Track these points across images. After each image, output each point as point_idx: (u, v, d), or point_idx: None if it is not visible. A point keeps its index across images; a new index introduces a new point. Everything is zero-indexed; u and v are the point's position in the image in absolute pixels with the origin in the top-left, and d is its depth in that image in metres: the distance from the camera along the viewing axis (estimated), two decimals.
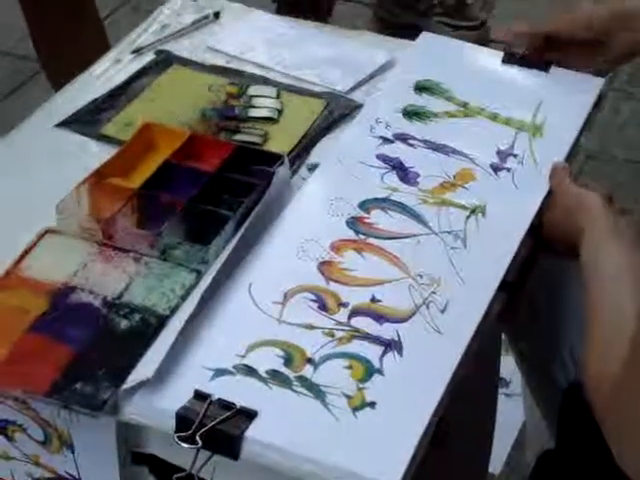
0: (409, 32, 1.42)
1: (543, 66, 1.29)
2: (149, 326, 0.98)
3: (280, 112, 1.27)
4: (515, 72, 1.30)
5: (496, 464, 1.74)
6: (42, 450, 0.97)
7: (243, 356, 0.95)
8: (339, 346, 0.96)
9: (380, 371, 0.94)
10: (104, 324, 0.98)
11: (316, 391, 0.92)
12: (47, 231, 1.07)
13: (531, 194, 1.13)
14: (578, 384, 1.11)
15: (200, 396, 0.91)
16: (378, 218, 1.09)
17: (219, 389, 0.91)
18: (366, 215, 1.10)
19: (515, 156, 1.18)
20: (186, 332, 0.96)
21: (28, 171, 1.19)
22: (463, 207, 1.11)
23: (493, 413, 1.48)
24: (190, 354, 0.95)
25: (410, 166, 1.16)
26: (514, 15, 2.68)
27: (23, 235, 1.07)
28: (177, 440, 0.89)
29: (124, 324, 0.98)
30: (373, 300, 1.00)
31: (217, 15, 1.43)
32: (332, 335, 0.97)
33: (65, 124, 1.25)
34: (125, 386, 0.92)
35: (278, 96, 1.29)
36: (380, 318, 0.99)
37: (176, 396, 0.91)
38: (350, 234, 1.07)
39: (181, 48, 1.38)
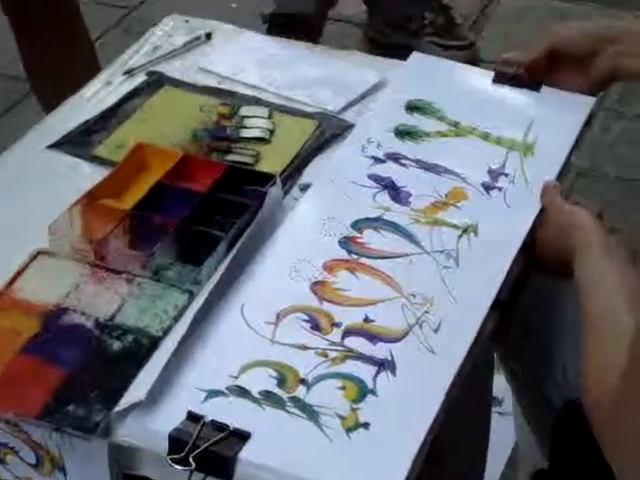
0: (400, 52, 1.43)
1: (534, 86, 1.29)
2: (142, 347, 0.97)
3: (272, 132, 1.27)
4: (506, 91, 1.31)
5: None
6: (34, 473, 0.97)
7: (236, 377, 0.94)
8: (332, 366, 0.96)
9: (374, 391, 0.94)
10: (96, 346, 0.98)
11: (309, 412, 0.91)
12: (39, 252, 1.07)
13: (523, 213, 1.13)
14: (572, 403, 1.12)
15: (193, 417, 0.91)
16: (370, 238, 1.09)
17: (212, 410, 0.91)
18: (358, 235, 1.10)
19: (506, 175, 1.18)
20: (179, 353, 0.96)
21: (20, 192, 1.18)
22: (455, 226, 1.11)
23: (486, 431, 1.48)
24: (183, 375, 0.95)
25: (402, 185, 1.16)
26: (503, 37, 2.69)
27: (15, 256, 1.06)
28: (170, 462, 0.88)
29: (116, 345, 0.98)
30: (366, 320, 1.00)
31: (209, 36, 1.44)
32: (325, 355, 0.97)
33: (57, 145, 1.25)
34: (117, 408, 0.91)
35: (270, 116, 1.29)
36: (373, 338, 0.98)
37: (169, 418, 0.91)
38: (343, 254, 1.07)
39: (173, 69, 1.38)
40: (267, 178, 1.14)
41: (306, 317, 1.00)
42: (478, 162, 1.20)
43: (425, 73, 1.34)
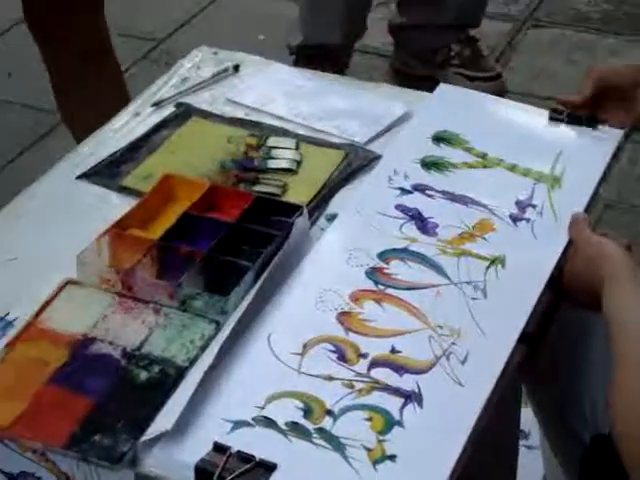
0: (426, 84, 1.43)
1: (591, 123, 1.28)
2: (168, 377, 0.97)
3: (299, 163, 1.28)
4: (533, 123, 1.31)
5: None
6: None
7: (262, 408, 0.94)
8: (359, 397, 0.95)
9: (400, 423, 0.93)
10: (123, 375, 0.98)
11: (336, 443, 0.91)
12: (68, 282, 1.08)
13: (550, 245, 1.12)
14: (601, 437, 1.10)
15: (219, 448, 0.90)
16: (397, 268, 1.09)
17: (238, 441, 0.91)
18: (385, 265, 1.10)
19: (534, 207, 1.18)
20: (205, 383, 0.96)
21: (49, 223, 1.19)
22: (482, 258, 1.11)
23: (514, 465, 1.47)
24: (209, 406, 0.95)
25: (429, 216, 1.16)
26: (530, 68, 2.70)
27: (44, 286, 1.07)
28: None
29: (143, 375, 0.98)
30: (393, 351, 1.00)
31: (237, 68, 1.45)
32: (352, 386, 0.96)
33: (86, 176, 1.26)
34: (144, 438, 0.91)
35: (297, 147, 1.30)
36: (400, 369, 0.98)
37: (195, 448, 0.91)
38: (369, 284, 1.07)
39: (201, 100, 1.39)
40: (294, 209, 1.14)
41: (332, 348, 1.00)
42: (505, 193, 1.19)
43: (452, 104, 1.34)
